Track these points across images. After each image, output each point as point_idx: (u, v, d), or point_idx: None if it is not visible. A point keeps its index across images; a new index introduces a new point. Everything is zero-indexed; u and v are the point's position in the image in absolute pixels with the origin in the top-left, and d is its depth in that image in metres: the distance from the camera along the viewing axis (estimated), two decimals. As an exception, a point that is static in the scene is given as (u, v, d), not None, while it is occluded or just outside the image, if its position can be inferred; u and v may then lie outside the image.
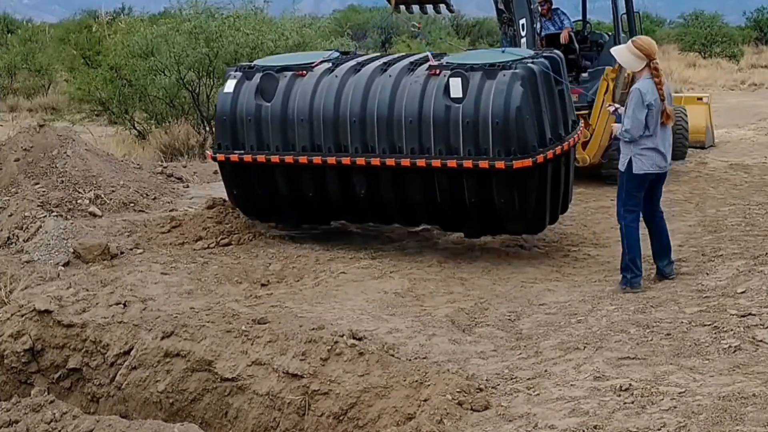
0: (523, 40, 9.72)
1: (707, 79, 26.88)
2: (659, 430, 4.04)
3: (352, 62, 7.76)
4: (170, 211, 9.12)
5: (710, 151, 13.48)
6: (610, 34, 11.68)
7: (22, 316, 6.20)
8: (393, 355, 5.28)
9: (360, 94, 7.35)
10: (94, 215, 8.65)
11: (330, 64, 7.77)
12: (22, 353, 6.10)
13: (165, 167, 11.34)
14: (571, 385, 4.73)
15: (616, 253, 7.76)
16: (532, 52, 7.63)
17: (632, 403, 4.38)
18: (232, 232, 8.07)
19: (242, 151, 7.76)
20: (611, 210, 9.56)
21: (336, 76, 7.55)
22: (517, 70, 6.95)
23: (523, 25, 9.91)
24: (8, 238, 7.91)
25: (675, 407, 4.26)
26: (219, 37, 14.29)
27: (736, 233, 8.15)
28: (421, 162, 7.10)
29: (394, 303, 6.41)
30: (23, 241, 7.80)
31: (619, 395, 4.49)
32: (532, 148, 6.92)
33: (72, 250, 7.46)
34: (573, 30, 11.47)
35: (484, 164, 6.89)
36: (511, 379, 4.94)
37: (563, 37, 11.20)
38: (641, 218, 6.67)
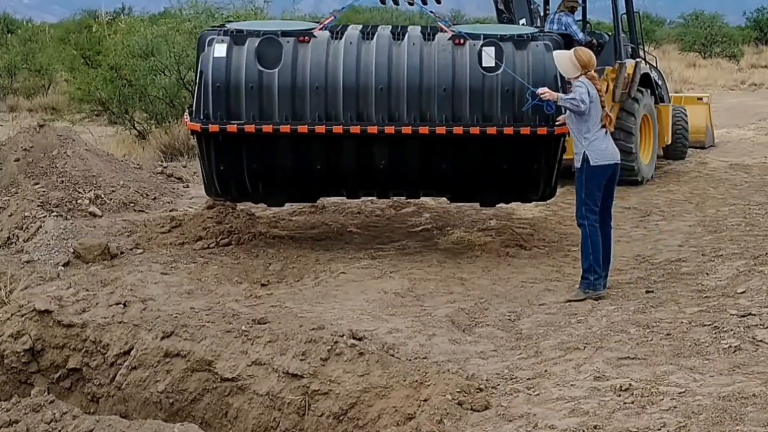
0: None
1: (707, 79, 26.86)
2: (659, 430, 4.04)
3: (356, 30, 7.60)
4: (170, 211, 9.12)
5: (710, 151, 13.47)
6: (610, 34, 11.67)
7: (22, 316, 6.20)
8: (393, 355, 5.28)
9: (384, 61, 7.26)
10: (94, 215, 8.65)
11: (331, 32, 7.55)
12: (22, 353, 6.10)
13: (165, 167, 11.34)
14: (571, 385, 4.73)
15: (616, 253, 7.76)
16: (534, 29, 7.94)
17: (632, 403, 4.38)
18: (232, 232, 8.07)
19: (242, 121, 7.27)
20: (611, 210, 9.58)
21: (351, 43, 7.37)
22: (546, 41, 7.30)
23: (522, 24, 9.88)
24: (8, 238, 7.91)
25: (675, 407, 4.26)
26: (219, 37, 14.28)
27: (736, 233, 8.15)
28: (458, 129, 7.16)
29: (394, 303, 6.41)
30: (23, 241, 7.80)
31: (619, 395, 4.49)
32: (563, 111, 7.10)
33: (72, 250, 7.46)
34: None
35: (525, 131, 7.13)
36: (511, 379, 4.95)
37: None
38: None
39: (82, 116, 17.12)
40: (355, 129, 7.22)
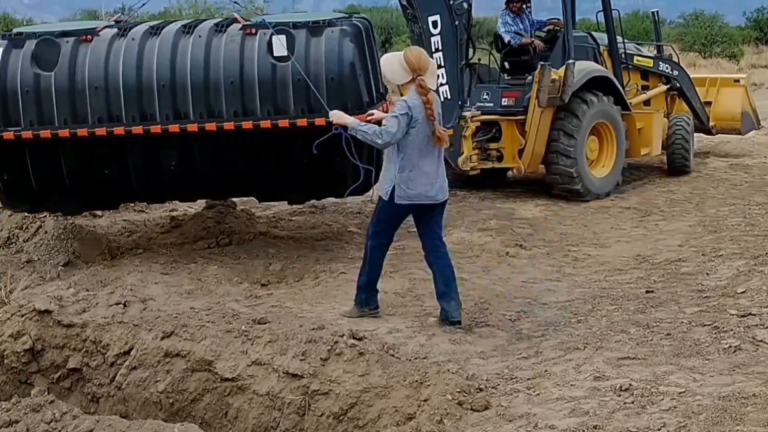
0: (435, 39, 9.27)
1: (707, 79, 26.85)
2: (659, 430, 4.04)
3: (145, 26, 7.20)
4: (170, 211, 9.12)
5: (710, 151, 13.44)
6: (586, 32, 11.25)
7: (22, 316, 6.20)
8: (393, 355, 5.28)
9: (167, 57, 6.81)
10: (94, 215, 8.65)
11: (118, 29, 7.12)
12: (22, 353, 6.10)
13: (165, 167, 11.31)
14: (571, 385, 4.73)
15: (616, 253, 7.79)
16: (340, 15, 7.16)
17: (632, 403, 4.38)
18: (232, 232, 8.07)
19: (19, 128, 6.82)
20: (611, 210, 9.61)
21: (133, 39, 6.93)
22: (345, 27, 6.75)
23: (435, 22, 9.28)
24: (8, 238, 7.91)
25: (675, 407, 4.26)
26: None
27: (736, 233, 8.15)
28: (247, 124, 6.66)
29: (394, 303, 6.41)
30: (23, 241, 7.80)
31: (619, 395, 4.49)
32: (367, 104, 6.67)
33: (72, 250, 7.46)
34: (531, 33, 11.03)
35: (320, 122, 6.45)
36: (511, 379, 4.95)
37: (525, 41, 10.80)
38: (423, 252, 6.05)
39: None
40: (138, 130, 6.77)
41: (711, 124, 12.47)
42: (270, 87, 6.69)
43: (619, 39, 11.11)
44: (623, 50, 11.12)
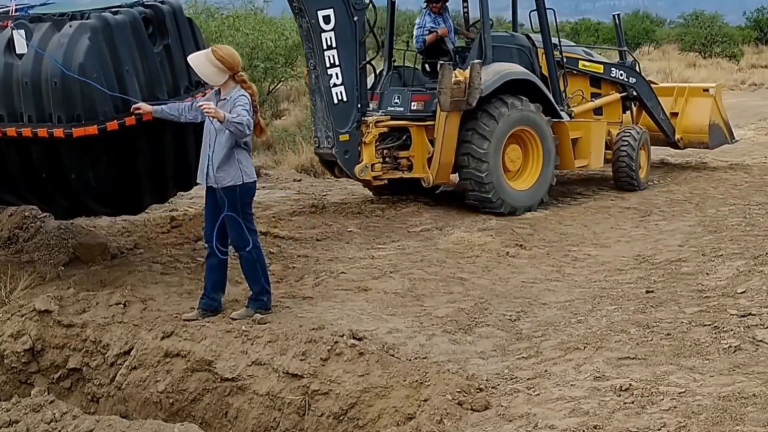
0: (327, 35, 8.58)
1: (707, 79, 26.79)
2: (659, 430, 4.04)
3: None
4: (170, 211, 9.12)
5: (710, 151, 13.35)
6: (508, 33, 10.31)
7: (22, 316, 6.21)
8: (393, 355, 5.28)
9: None
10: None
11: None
12: (22, 353, 6.10)
13: (165, 167, 11.31)
14: (571, 385, 4.73)
15: (616, 253, 7.78)
16: (131, 1, 6.40)
17: (632, 403, 4.38)
18: (232, 232, 8.06)
19: None
20: (611, 210, 9.59)
21: None
22: (87, 21, 5.90)
23: (326, 17, 8.59)
24: (8, 238, 7.92)
25: (675, 407, 4.26)
26: (218, 37, 14.29)
27: (736, 233, 8.15)
28: None
29: (394, 303, 6.41)
30: (23, 241, 7.81)
31: (619, 395, 4.49)
32: (105, 113, 5.89)
33: (72, 250, 7.46)
34: (451, 31, 10.11)
35: (43, 133, 5.85)
36: (511, 379, 4.95)
37: (429, 38, 9.91)
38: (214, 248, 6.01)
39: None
40: None
41: (677, 136, 11.54)
42: (5, 88, 6.00)
43: (567, 42, 10.40)
44: (560, 53, 10.19)
